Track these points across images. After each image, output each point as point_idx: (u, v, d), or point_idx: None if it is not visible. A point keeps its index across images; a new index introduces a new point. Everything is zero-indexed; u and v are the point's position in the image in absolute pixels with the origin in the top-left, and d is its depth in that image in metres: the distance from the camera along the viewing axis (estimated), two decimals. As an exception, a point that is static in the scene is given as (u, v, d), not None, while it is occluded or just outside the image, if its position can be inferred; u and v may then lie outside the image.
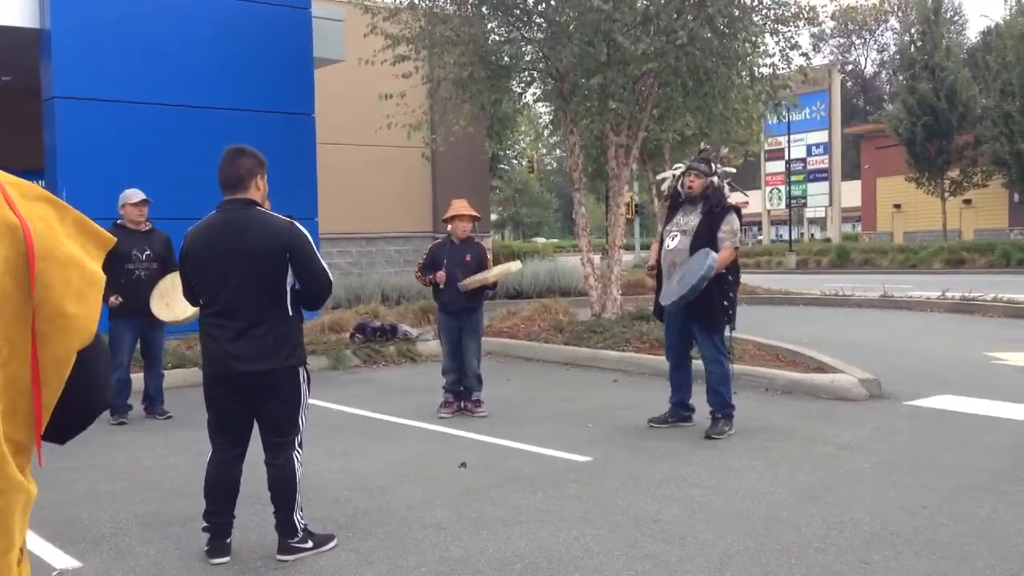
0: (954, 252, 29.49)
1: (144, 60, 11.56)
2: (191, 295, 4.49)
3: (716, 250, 6.53)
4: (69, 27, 11.08)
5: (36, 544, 4.54)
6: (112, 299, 7.42)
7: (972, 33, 64.57)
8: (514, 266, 8.50)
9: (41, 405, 1.09)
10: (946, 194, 37.50)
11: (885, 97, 68.21)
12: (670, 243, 6.85)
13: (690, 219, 6.81)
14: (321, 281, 4.32)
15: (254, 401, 4.31)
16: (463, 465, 5.91)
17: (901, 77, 41.90)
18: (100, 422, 7.49)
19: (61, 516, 5.05)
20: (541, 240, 60.30)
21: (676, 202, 7.02)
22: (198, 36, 12.02)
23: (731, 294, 6.73)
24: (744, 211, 7.44)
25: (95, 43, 11.23)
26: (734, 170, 7.38)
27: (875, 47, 74.52)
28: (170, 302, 7.35)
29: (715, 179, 6.79)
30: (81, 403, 1.18)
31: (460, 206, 7.79)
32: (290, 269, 4.23)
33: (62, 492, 5.47)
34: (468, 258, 7.66)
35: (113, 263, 7.34)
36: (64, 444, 1.26)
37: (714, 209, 6.72)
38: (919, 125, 36.07)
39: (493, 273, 7.78)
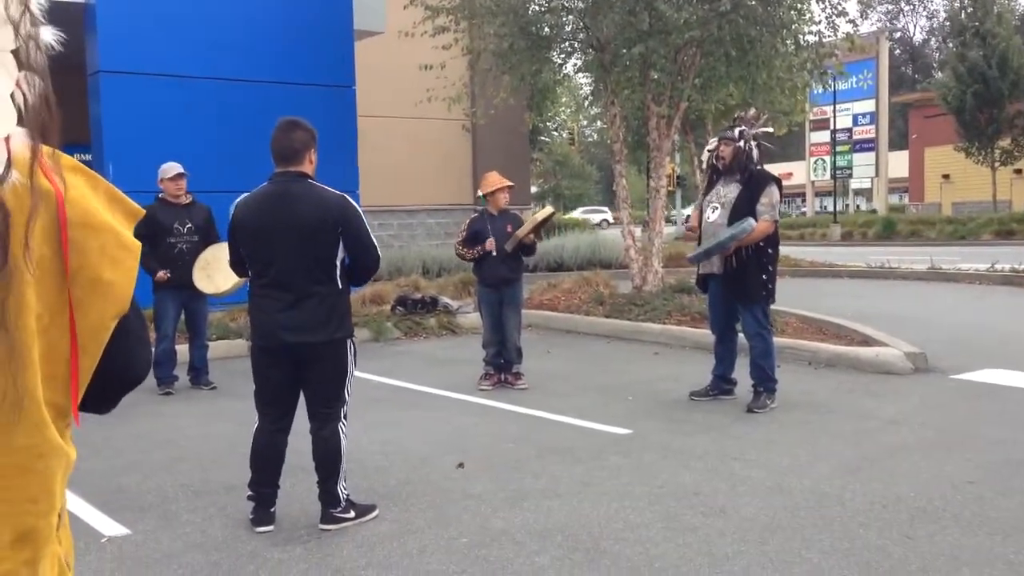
0: (1004, 223, 28.81)
1: (187, 34, 11.64)
2: (239, 267, 4.52)
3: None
4: (113, 2, 11.18)
5: (85, 512, 4.65)
6: (161, 273, 7.52)
7: (1025, -2, 62.79)
8: (541, 214, 8.07)
9: (78, 371, 1.09)
10: (996, 164, 36.60)
11: (934, 65, 66.73)
12: (710, 215, 6.81)
13: (729, 190, 6.75)
14: (371, 256, 4.34)
15: (302, 372, 4.35)
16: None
17: (951, 44, 40.91)
18: (147, 392, 7.65)
19: (109, 485, 5.15)
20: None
21: (715, 173, 6.99)
22: (240, 9, 12.07)
23: (770, 268, 6.67)
24: (788, 182, 7.33)
25: (138, 17, 11.33)
26: (768, 129, 7.22)
27: (924, 14, 73.11)
28: (211, 274, 7.42)
29: (742, 143, 6.73)
30: (116, 373, 1.19)
31: (495, 179, 7.74)
32: (341, 243, 4.25)
33: (110, 461, 5.59)
34: (509, 228, 7.64)
35: (155, 236, 7.43)
36: (104, 415, 1.27)
37: (749, 174, 6.66)
38: (969, 93, 35.19)
39: (527, 227, 7.64)
